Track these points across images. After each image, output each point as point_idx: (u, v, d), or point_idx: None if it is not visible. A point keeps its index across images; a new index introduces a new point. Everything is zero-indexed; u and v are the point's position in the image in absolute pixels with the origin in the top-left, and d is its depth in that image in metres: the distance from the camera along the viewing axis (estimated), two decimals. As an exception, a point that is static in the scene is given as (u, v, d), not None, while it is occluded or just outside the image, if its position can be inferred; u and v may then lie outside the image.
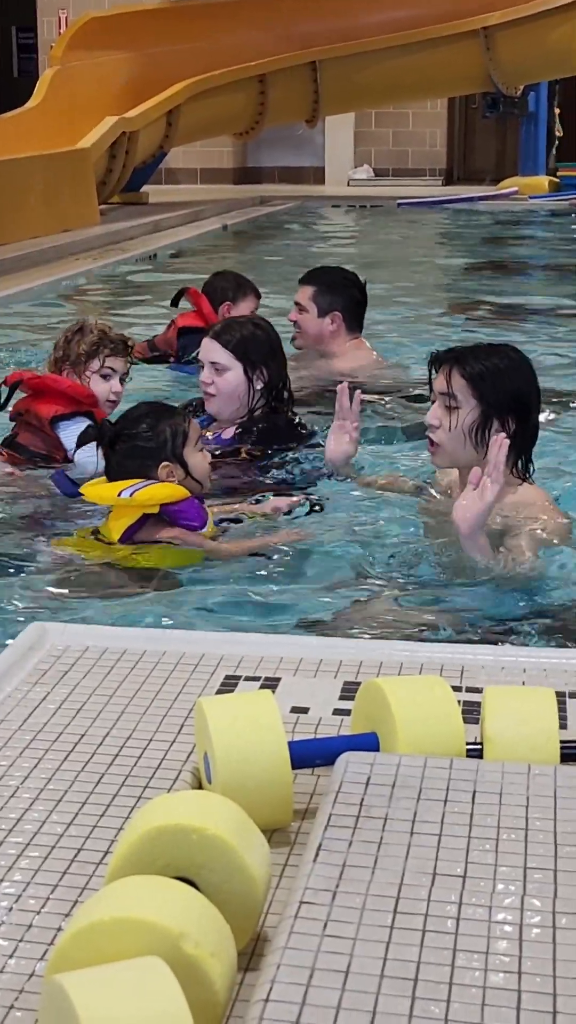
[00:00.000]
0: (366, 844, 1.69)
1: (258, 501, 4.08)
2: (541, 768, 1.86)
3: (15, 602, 3.40)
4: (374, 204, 17.72)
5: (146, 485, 3.61)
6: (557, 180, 19.11)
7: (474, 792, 1.80)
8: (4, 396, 4.50)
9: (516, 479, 3.52)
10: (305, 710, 2.27)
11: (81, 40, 15.13)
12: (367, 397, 4.70)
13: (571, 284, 10.28)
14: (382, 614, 3.28)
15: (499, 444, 3.24)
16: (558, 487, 4.09)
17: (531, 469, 3.58)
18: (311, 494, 4.17)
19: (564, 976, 1.44)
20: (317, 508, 4.04)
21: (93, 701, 2.30)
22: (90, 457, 4.26)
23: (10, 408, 4.56)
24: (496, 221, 15.85)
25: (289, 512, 3.98)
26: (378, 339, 6.54)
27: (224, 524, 3.89)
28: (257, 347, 4.52)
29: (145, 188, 16.71)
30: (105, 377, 4.59)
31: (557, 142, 20.21)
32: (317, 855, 1.66)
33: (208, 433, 4.58)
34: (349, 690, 2.32)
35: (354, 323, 5.73)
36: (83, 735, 2.17)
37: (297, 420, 4.66)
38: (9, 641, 2.57)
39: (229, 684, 2.38)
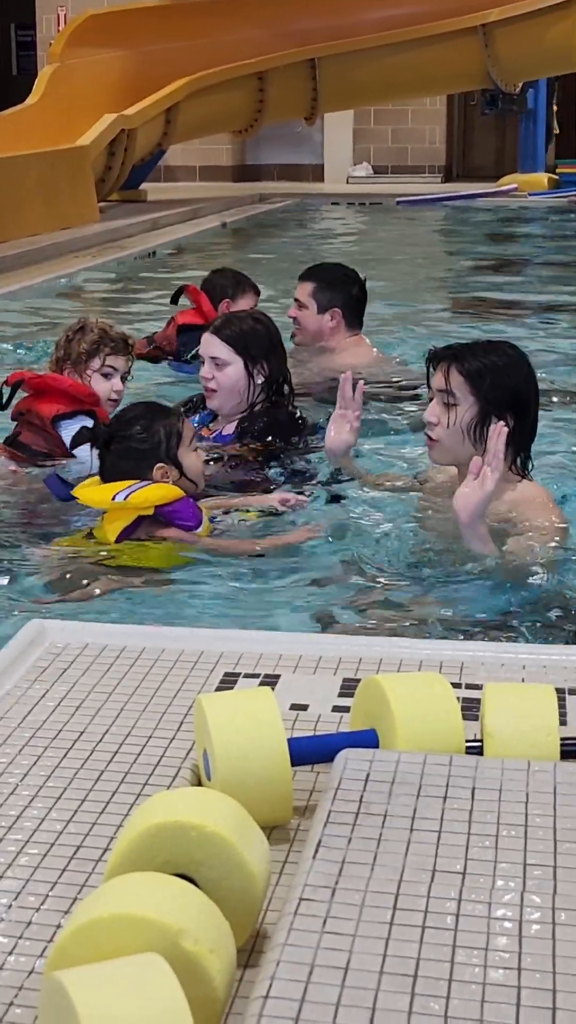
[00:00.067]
0: (365, 841, 1.69)
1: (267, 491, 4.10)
2: (540, 765, 1.86)
3: (14, 599, 3.40)
4: (373, 201, 17.71)
5: (140, 487, 3.61)
6: (556, 177, 19.11)
7: (473, 789, 1.80)
8: (6, 396, 4.50)
9: (515, 476, 3.52)
10: (304, 707, 2.27)
11: (80, 37, 15.12)
12: (367, 390, 4.69)
13: (570, 281, 10.27)
14: (381, 611, 3.28)
15: (498, 432, 3.24)
16: (558, 483, 4.09)
17: (530, 466, 3.58)
18: (314, 486, 4.17)
19: (563, 972, 1.44)
20: (332, 499, 4.04)
21: (92, 698, 2.30)
22: (85, 457, 4.26)
23: (12, 408, 4.56)
24: (495, 218, 15.84)
25: (294, 505, 3.97)
26: (378, 335, 6.54)
27: (231, 521, 3.89)
28: (257, 341, 4.53)
29: (144, 186, 16.69)
30: (106, 376, 4.59)
31: (553, 139, 20.20)
32: (316, 852, 1.66)
33: (208, 432, 4.58)
34: (348, 687, 2.32)
35: (354, 319, 5.73)
36: (82, 732, 2.17)
37: (298, 414, 4.66)
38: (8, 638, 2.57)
39: (228, 681, 2.38)
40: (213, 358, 4.53)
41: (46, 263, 11.22)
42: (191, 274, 8.81)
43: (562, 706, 2.21)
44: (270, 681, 2.37)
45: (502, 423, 3.29)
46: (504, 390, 3.47)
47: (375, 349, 5.95)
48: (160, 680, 2.38)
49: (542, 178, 18.74)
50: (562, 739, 1.97)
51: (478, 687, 2.25)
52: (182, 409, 4.81)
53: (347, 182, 21.14)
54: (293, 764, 1.90)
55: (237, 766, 1.86)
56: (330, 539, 3.79)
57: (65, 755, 2.10)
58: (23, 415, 4.54)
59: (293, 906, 1.55)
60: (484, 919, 1.53)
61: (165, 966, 1.36)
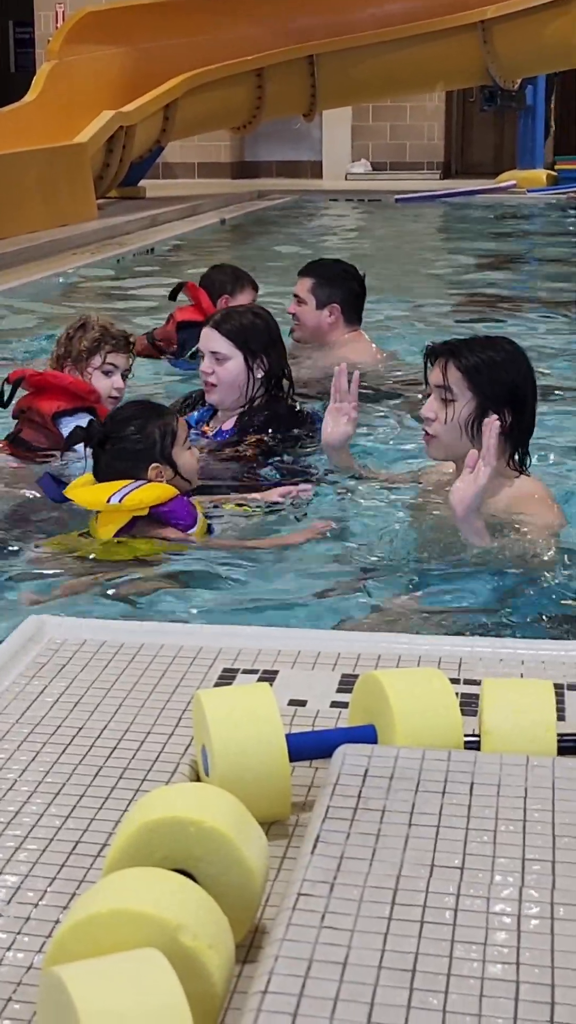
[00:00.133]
0: (364, 836, 1.69)
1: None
2: (539, 760, 1.86)
3: (13, 596, 3.40)
4: (372, 198, 17.70)
5: (134, 488, 3.61)
6: (555, 173, 19.10)
7: (472, 784, 1.80)
8: (7, 394, 4.50)
9: (513, 472, 3.52)
10: (303, 703, 2.27)
11: (78, 35, 15.11)
12: (366, 383, 4.69)
13: (568, 277, 10.27)
14: (379, 606, 3.28)
15: (491, 426, 3.24)
16: (556, 479, 4.08)
17: (528, 461, 3.57)
18: (315, 478, 4.17)
19: (562, 967, 1.44)
20: (335, 493, 4.05)
21: (91, 694, 2.30)
22: (80, 457, 4.26)
23: (13, 405, 4.56)
24: (494, 215, 15.83)
25: (296, 497, 3.97)
26: (376, 331, 6.54)
27: (228, 515, 3.89)
28: (257, 336, 4.53)
29: (143, 182, 16.69)
30: (107, 373, 4.59)
31: (552, 135, 20.20)
32: (315, 847, 1.66)
33: (208, 430, 4.58)
34: (347, 682, 2.31)
35: (353, 315, 5.73)
36: (81, 728, 2.17)
37: (298, 407, 4.66)
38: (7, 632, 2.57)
39: (227, 677, 2.38)
40: (213, 352, 4.53)
41: (45, 260, 11.22)
42: (190, 271, 8.81)
43: (560, 702, 2.21)
44: (268, 677, 2.37)
45: (495, 416, 3.29)
46: (502, 385, 3.46)
47: (374, 345, 5.95)
48: (159, 676, 2.38)
49: (541, 175, 18.73)
50: (560, 735, 1.97)
51: (477, 683, 2.25)
52: (181, 405, 4.82)
53: (346, 179, 21.14)
54: (291, 760, 1.90)
55: (235, 762, 1.86)
56: (328, 534, 3.78)
57: (64, 751, 2.10)
58: (24, 412, 4.54)
59: (291, 901, 1.55)
60: (483, 914, 1.53)
61: (164, 961, 1.36)
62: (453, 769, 1.83)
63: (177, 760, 2.05)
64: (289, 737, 1.91)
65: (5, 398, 4.49)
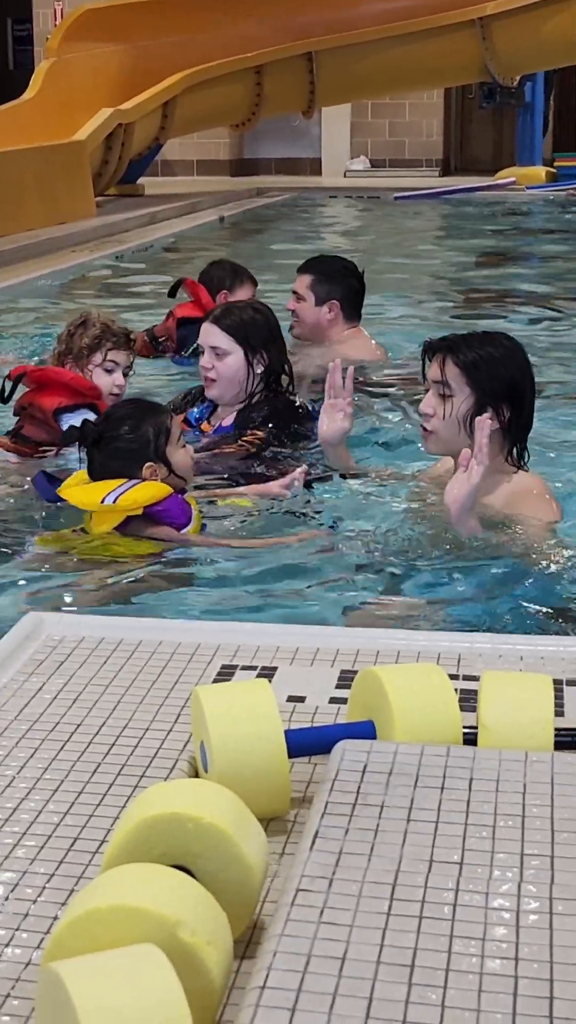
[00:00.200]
0: (363, 832, 1.69)
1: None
2: (538, 755, 1.86)
3: (11, 592, 3.40)
4: (371, 195, 17.70)
5: (128, 488, 3.60)
6: (554, 170, 19.09)
7: (471, 779, 1.80)
8: (8, 390, 4.50)
9: (511, 467, 3.52)
10: (302, 699, 2.27)
11: (77, 32, 15.11)
12: (366, 380, 4.69)
13: (567, 274, 10.27)
14: (378, 602, 3.28)
15: (482, 425, 3.24)
16: (555, 474, 4.08)
17: (526, 457, 3.57)
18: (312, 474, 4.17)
19: (561, 962, 1.44)
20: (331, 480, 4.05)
21: (89, 691, 2.30)
22: (74, 456, 4.26)
23: (14, 402, 4.56)
24: (493, 211, 15.83)
25: (293, 484, 3.97)
26: (376, 328, 6.53)
27: (233, 514, 3.88)
28: (257, 331, 4.52)
29: (141, 180, 16.69)
30: (108, 371, 4.59)
31: (551, 132, 20.21)
32: (314, 843, 1.66)
33: (208, 428, 4.58)
34: (346, 679, 2.31)
35: (352, 312, 5.73)
36: (79, 724, 2.17)
37: (298, 402, 4.66)
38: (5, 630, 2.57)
39: (226, 673, 2.38)
40: (213, 347, 4.53)
41: (44, 257, 11.21)
42: (189, 268, 8.80)
43: (559, 697, 2.21)
44: (267, 673, 2.37)
45: (487, 415, 3.29)
46: (500, 381, 3.46)
47: (373, 341, 5.95)
48: (157, 672, 2.38)
49: (540, 171, 18.74)
50: (557, 730, 1.97)
51: (476, 678, 2.24)
52: (181, 401, 4.82)
53: (345, 176, 21.14)
54: (290, 756, 1.90)
55: (234, 758, 1.86)
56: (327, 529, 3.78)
57: (62, 747, 2.10)
58: (25, 409, 4.55)
59: (290, 897, 1.55)
60: (481, 909, 1.53)
61: (162, 957, 1.36)
62: (452, 765, 1.83)
63: (176, 756, 2.05)
64: (288, 733, 1.91)
65: (6, 394, 4.49)
